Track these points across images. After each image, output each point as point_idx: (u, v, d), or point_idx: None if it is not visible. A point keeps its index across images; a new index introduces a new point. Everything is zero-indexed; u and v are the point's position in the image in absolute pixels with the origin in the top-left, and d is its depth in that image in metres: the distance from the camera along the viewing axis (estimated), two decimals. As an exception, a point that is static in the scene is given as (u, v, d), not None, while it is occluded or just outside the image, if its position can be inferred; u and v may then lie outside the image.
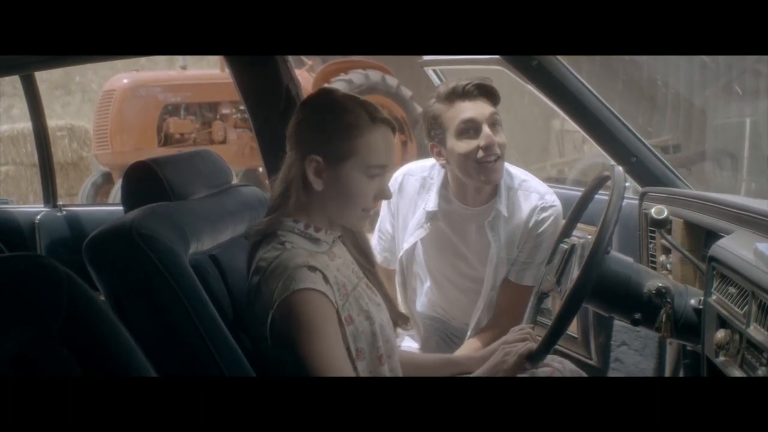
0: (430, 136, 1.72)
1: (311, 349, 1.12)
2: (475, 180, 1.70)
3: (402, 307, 1.92)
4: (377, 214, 1.83)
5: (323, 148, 1.22)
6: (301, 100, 2.08)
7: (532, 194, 1.75)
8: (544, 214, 1.74)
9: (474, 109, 1.66)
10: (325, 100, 1.29)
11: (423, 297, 1.93)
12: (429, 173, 1.82)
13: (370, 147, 1.23)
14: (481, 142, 1.65)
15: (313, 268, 1.16)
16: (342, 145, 1.22)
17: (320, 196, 1.24)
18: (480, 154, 1.65)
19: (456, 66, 2.50)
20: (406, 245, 1.80)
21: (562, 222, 1.76)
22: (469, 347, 1.70)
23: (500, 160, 1.69)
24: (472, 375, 1.42)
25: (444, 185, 1.78)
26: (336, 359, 1.14)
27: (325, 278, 1.17)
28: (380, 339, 1.25)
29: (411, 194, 1.82)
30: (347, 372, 1.15)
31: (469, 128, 1.66)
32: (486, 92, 1.67)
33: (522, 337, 1.43)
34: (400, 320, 1.38)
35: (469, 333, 1.80)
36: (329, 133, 1.22)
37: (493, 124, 1.67)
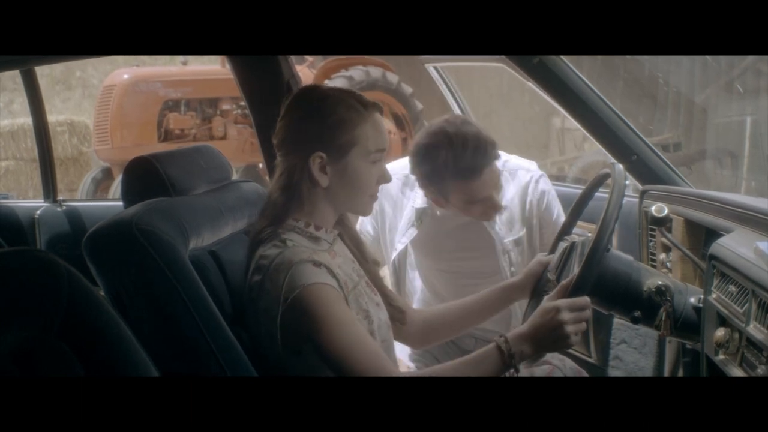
0: (428, 188, 1.65)
1: (334, 339, 1.12)
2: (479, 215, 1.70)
3: None
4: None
5: (324, 143, 1.22)
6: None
7: (518, 171, 1.75)
8: (540, 187, 1.74)
9: (484, 185, 1.59)
10: (312, 96, 1.28)
11: (420, 294, 1.93)
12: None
13: (368, 134, 1.24)
14: (489, 209, 1.64)
15: (317, 264, 1.17)
16: (343, 137, 1.22)
17: (326, 192, 1.24)
18: (484, 215, 1.66)
19: (457, 63, 2.50)
20: (399, 246, 1.79)
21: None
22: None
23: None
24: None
25: None
26: (360, 341, 1.14)
27: (331, 272, 1.18)
28: (378, 338, 1.25)
29: (395, 193, 1.80)
30: (376, 349, 1.15)
31: (479, 200, 1.62)
32: (496, 158, 1.61)
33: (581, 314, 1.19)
34: (397, 315, 1.38)
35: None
36: (328, 128, 1.22)
37: (498, 186, 1.66)
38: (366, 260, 1.36)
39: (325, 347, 1.12)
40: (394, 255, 1.81)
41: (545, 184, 1.76)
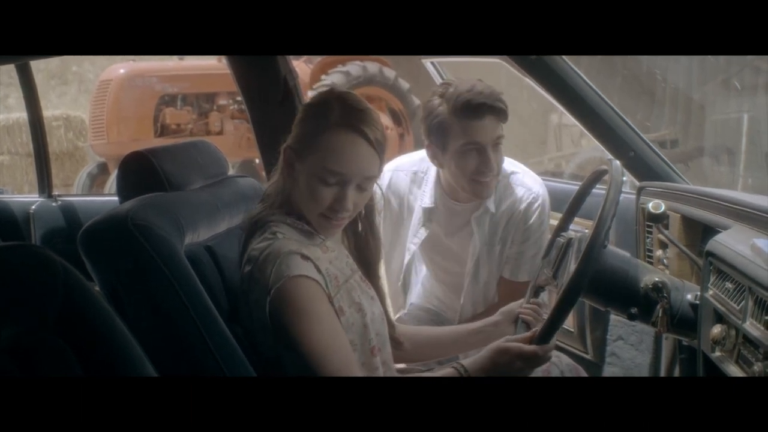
0: (430, 138, 1.68)
1: (310, 336, 1.11)
2: (466, 193, 1.71)
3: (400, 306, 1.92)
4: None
5: (296, 140, 1.22)
6: (299, 90, 2.09)
7: (518, 187, 1.74)
8: (530, 207, 1.73)
9: (482, 130, 1.61)
10: (321, 96, 1.26)
11: (419, 287, 1.93)
12: (419, 167, 1.80)
13: (329, 148, 1.17)
14: (481, 166, 1.63)
15: (305, 257, 1.16)
16: (308, 139, 1.20)
17: (293, 190, 1.23)
18: (477, 174, 1.65)
19: (455, 59, 2.49)
20: (412, 246, 1.78)
21: (549, 211, 1.76)
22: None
23: (494, 178, 1.68)
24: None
25: (437, 181, 1.77)
26: (335, 343, 1.13)
27: (317, 268, 1.17)
28: (371, 331, 1.24)
29: (402, 190, 1.80)
30: (348, 355, 1.15)
31: (473, 149, 1.63)
32: (497, 112, 1.62)
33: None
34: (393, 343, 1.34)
35: (456, 323, 1.81)
36: (303, 127, 1.22)
37: (496, 145, 1.65)
38: (366, 260, 1.33)
39: (298, 342, 1.11)
40: (408, 257, 1.80)
41: (537, 207, 1.73)
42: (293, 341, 1.12)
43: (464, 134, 1.62)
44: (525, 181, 1.76)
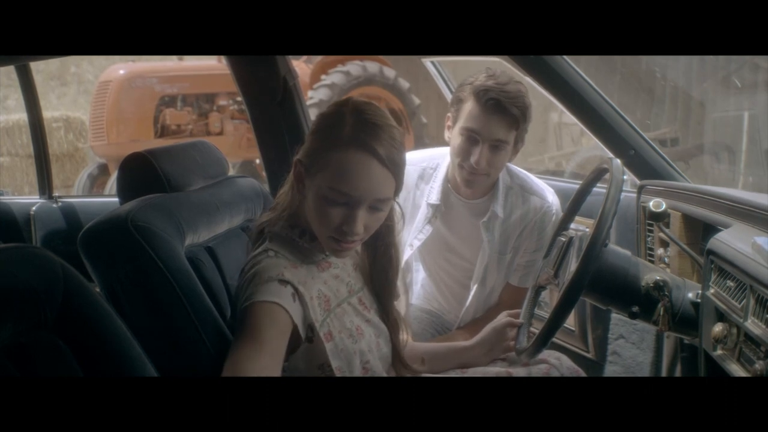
0: (451, 108, 1.70)
1: (243, 349, 1.00)
2: (456, 173, 1.71)
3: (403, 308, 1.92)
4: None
5: (306, 154, 1.13)
6: (299, 90, 2.08)
7: (532, 197, 1.74)
8: (545, 218, 1.73)
9: (486, 124, 1.61)
10: (335, 107, 1.15)
11: (419, 289, 1.93)
12: (429, 163, 1.79)
13: (337, 167, 1.07)
14: (472, 157, 1.63)
15: (284, 282, 1.07)
16: (317, 155, 1.10)
17: (301, 205, 1.15)
18: (464, 163, 1.65)
19: (454, 57, 2.50)
20: (416, 242, 1.77)
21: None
22: (458, 337, 1.70)
23: (480, 177, 1.67)
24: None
25: (446, 177, 1.76)
26: (261, 367, 0.99)
27: (295, 293, 1.09)
28: (362, 359, 1.18)
29: (409, 185, 1.78)
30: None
31: (470, 136, 1.63)
32: (507, 114, 1.60)
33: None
34: (400, 366, 1.29)
35: (456, 326, 1.81)
36: (314, 141, 1.13)
37: (495, 147, 1.63)
38: (378, 299, 1.26)
39: (230, 351, 1.01)
40: (409, 252, 1.79)
41: (551, 217, 1.73)
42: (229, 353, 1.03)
43: (468, 118, 1.62)
44: (538, 190, 1.75)
